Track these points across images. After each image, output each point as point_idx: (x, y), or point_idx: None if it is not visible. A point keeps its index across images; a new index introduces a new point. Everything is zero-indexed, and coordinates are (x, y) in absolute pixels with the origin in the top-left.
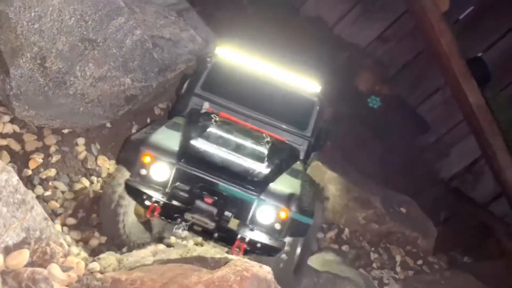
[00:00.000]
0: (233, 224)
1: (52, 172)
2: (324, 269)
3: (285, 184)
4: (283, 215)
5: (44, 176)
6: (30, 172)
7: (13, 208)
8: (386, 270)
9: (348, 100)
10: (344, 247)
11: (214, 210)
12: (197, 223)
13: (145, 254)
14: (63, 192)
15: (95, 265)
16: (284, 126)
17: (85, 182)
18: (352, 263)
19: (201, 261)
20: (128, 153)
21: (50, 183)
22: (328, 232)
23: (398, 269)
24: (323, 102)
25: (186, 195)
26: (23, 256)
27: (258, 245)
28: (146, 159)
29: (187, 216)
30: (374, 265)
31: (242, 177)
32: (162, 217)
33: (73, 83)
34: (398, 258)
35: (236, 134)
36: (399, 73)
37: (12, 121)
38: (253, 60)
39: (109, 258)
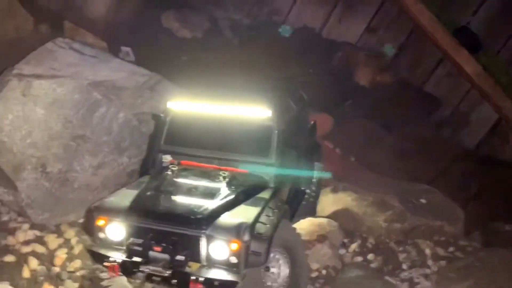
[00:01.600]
0: (194, 267)
1: (77, 263)
2: None
3: (237, 215)
4: (235, 246)
5: (71, 269)
6: (57, 269)
7: None
8: (415, 269)
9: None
10: (370, 256)
11: (167, 257)
12: (154, 274)
13: None
14: None
15: None
16: (244, 159)
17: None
18: (378, 272)
19: None
20: (88, 220)
21: (77, 274)
22: (351, 245)
23: (429, 262)
24: (284, 124)
25: (140, 248)
26: None
27: (215, 282)
28: (100, 222)
29: (143, 268)
30: (403, 265)
31: (186, 217)
32: (124, 274)
33: (76, 178)
34: (427, 251)
35: (191, 178)
36: (396, 57)
37: (31, 227)
38: (203, 104)
39: None
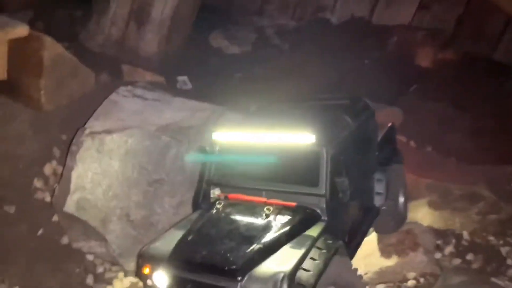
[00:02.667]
0: None
1: None
2: None
3: (277, 262)
4: None
5: None
6: None
7: None
8: None
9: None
10: (469, 256)
11: None
12: None
13: None
14: None
15: None
16: (291, 190)
17: None
18: (482, 273)
19: None
20: (137, 266)
21: None
22: (446, 247)
23: None
24: (337, 146)
25: None
26: None
27: None
28: (146, 270)
29: None
30: (508, 261)
31: (221, 268)
32: None
33: (159, 220)
34: None
35: (234, 217)
36: (456, 31)
37: (126, 275)
38: (247, 133)
39: None
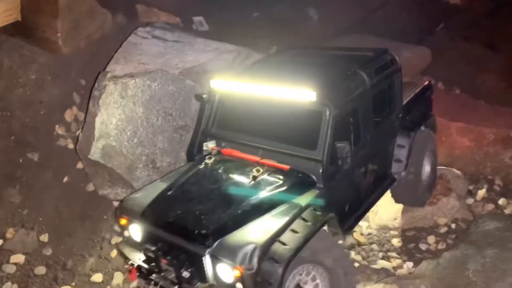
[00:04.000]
0: (201, 286)
1: None
2: (486, 242)
3: (252, 231)
4: (237, 273)
5: None
6: None
7: None
8: None
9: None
10: (501, 201)
11: (172, 270)
12: (163, 286)
13: None
14: None
15: None
16: (287, 151)
17: None
18: None
19: None
20: (115, 217)
21: None
22: (478, 192)
23: None
24: (345, 106)
25: (152, 256)
26: None
27: None
28: (122, 221)
29: (155, 277)
30: None
31: (191, 230)
32: (141, 278)
33: None
34: None
35: (220, 176)
36: None
37: None
38: (249, 84)
39: None
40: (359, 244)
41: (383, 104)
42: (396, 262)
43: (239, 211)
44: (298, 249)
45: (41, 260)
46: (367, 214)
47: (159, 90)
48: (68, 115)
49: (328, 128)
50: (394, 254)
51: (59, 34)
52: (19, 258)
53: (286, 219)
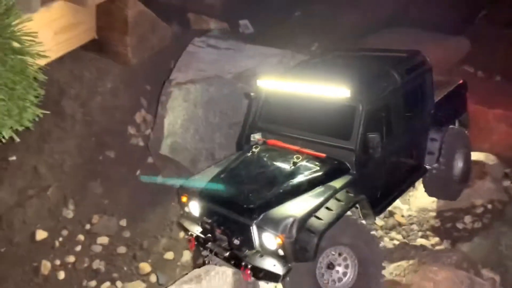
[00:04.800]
0: (249, 252)
1: None
2: None
3: (292, 207)
4: (279, 241)
5: None
6: None
7: None
8: None
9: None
10: None
11: (225, 239)
12: (217, 252)
13: None
14: None
15: None
16: (324, 141)
17: None
18: None
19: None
20: (178, 195)
21: None
22: None
23: None
24: (377, 102)
25: (208, 227)
26: None
27: (261, 272)
28: (184, 199)
29: (211, 245)
30: None
31: (241, 205)
32: (199, 246)
33: None
34: None
35: (265, 162)
36: None
37: None
38: (290, 83)
39: None
40: (400, 224)
41: (415, 101)
42: (434, 240)
43: (281, 191)
44: (331, 224)
45: (122, 241)
46: (408, 197)
47: (215, 93)
48: (138, 117)
49: (361, 121)
50: (432, 233)
51: (128, 48)
52: (104, 239)
53: (321, 198)
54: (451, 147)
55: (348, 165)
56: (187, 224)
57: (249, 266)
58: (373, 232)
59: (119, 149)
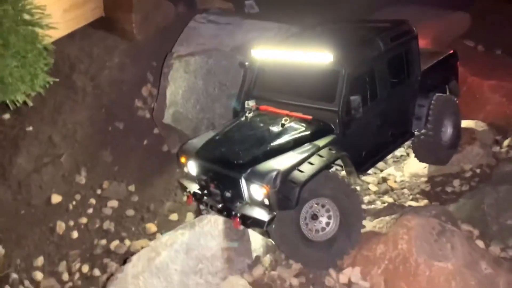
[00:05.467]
0: (239, 204)
1: None
2: (502, 181)
3: (277, 162)
4: (265, 191)
5: None
6: None
7: None
8: None
9: None
10: None
11: (218, 193)
12: (212, 205)
13: None
14: None
15: None
16: (309, 105)
17: None
18: None
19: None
20: (177, 157)
21: None
22: (503, 142)
23: None
24: (359, 67)
25: (204, 183)
26: None
27: (249, 219)
28: (182, 160)
29: (206, 200)
30: None
31: (231, 161)
32: (196, 202)
33: None
34: None
35: (256, 125)
36: None
37: None
38: (279, 51)
39: None
40: (392, 189)
41: (400, 67)
42: (423, 202)
43: (268, 148)
44: (312, 176)
45: (130, 205)
46: (402, 165)
47: (214, 65)
48: (144, 91)
49: (344, 84)
50: (422, 196)
51: (133, 25)
52: (114, 203)
53: (305, 155)
54: (439, 113)
55: (332, 126)
56: (186, 183)
57: (238, 215)
58: (353, 187)
59: (127, 121)
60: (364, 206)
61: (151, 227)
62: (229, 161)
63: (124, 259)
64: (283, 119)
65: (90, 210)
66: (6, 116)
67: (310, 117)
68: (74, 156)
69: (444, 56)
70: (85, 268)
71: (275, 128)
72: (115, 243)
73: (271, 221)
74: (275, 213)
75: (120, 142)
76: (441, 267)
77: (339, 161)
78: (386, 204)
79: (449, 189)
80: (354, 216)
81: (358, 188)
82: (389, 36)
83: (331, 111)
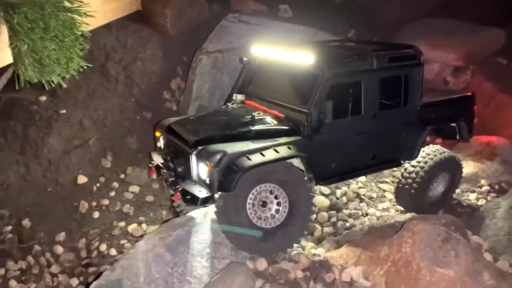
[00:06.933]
0: (187, 181)
1: None
2: None
3: (230, 146)
4: (207, 169)
5: None
6: None
7: None
8: None
9: None
10: None
11: (172, 166)
12: (166, 178)
13: (354, 233)
14: None
15: (320, 250)
16: (283, 103)
17: None
18: None
19: (392, 227)
20: (154, 131)
21: None
22: None
23: None
24: (343, 76)
25: (166, 156)
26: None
27: (188, 194)
28: (157, 134)
29: (162, 172)
30: None
31: (188, 138)
32: (157, 174)
33: None
34: None
35: (230, 114)
36: None
37: None
38: (271, 50)
39: (329, 242)
40: None
41: (396, 91)
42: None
43: (227, 133)
44: (257, 165)
45: (151, 191)
46: None
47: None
48: (173, 84)
49: (319, 87)
50: None
51: (167, 20)
52: (135, 188)
53: (260, 145)
54: (435, 167)
55: (300, 127)
56: (154, 155)
57: (180, 189)
58: (305, 178)
59: (154, 111)
60: (377, 213)
61: (168, 214)
62: (187, 137)
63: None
64: (257, 112)
65: (112, 193)
66: (43, 98)
67: (283, 115)
68: (102, 141)
69: (457, 96)
70: (103, 247)
71: (244, 119)
72: (132, 226)
73: (206, 200)
74: (212, 194)
75: (146, 131)
76: (442, 274)
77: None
78: (399, 212)
79: (465, 203)
80: (303, 205)
81: (374, 195)
82: (387, 56)
83: (302, 112)
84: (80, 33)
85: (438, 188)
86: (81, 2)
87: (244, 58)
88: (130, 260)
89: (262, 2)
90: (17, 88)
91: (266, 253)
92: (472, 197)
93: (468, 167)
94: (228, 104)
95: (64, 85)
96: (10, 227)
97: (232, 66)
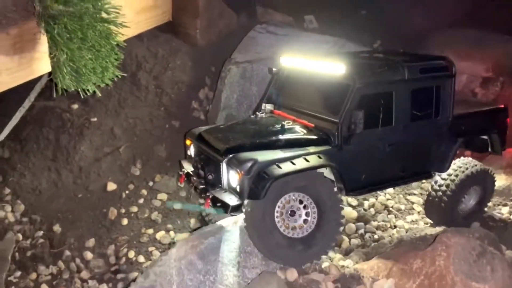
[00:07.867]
0: (218, 189)
1: None
2: None
3: (263, 155)
4: (238, 177)
5: None
6: None
7: None
8: None
9: None
10: None
11: (202, 173)
12: (195, 186)
13: (383, 245)
14: None
15: (348, 262)
16: (317, 114)
17: None
18: None
19: (423, 240)
20: (184, 139)
21: None
22: None
23: None
24: (373, 86)
25: (196, 164)
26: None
27: (218, 202)
28: (188, 142)
29: (193, 180)
30: None
31: (218, 146)
32: (187, 181)
33: None
34: None
35: (260, 123)
36: None
37: None
38: (301, 61)
39: (357, 254)
40: None
41: (428, 102)
42: None
43: (258, 141)
44: (288, 174)
45: (179, 199)
46: None
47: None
48: (201, 94)
49: (350, 98)
50: None
51: (198, 30)
52: (163, 196)
53: (291, 154)
54: (467, 180)
55: (331, 137)
56: (184, 163)
57: (210, 196)
58: (335, 188)
59: (183, 120)
60: (406, 225)
61: (196, 222)
62: (217, 145)
63: (168, 249)
64: (286, 121)
65: (141, 200)
66: (75, 106)
67: (312, 125)
68: (132, 149)
69: (490, 108)
70: (131, 254)
71: (274, 128)
72: (161, 233)
73: (236, 208)
74: (242, 201)
75: (175, 140)
76: None
77: None
78: (428, 225)
79: (497, 217)
80: (332, 216)
81: (402, 207)
82: (418, 67)
83: (333, 122)
84: (115, 43)
85: (469, 201)
86: (118, 13)
87: (273, 69)
88: (163, 267)
89: (288, 13)
90: (54, 96)
91: (294, 263)
92: (504, 210)
93: (500, 180)
94: (257, 113)
95: (99, 94)
96: (42, 232)
97: (260, 76)
